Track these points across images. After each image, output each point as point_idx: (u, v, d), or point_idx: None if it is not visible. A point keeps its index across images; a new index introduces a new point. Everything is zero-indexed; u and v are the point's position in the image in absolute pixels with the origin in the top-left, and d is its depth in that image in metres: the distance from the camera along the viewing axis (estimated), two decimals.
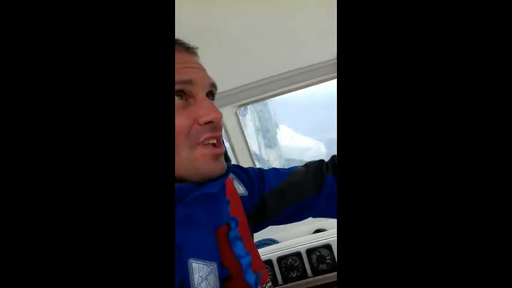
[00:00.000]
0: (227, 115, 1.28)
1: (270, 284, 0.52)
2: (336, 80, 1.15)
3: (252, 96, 1.25)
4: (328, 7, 0.71)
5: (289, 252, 1.19)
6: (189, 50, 0.49)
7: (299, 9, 0.90)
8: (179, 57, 0.44)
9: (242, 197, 0.55)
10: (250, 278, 0.45)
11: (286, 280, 1.18)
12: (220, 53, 0.96)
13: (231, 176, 0.56)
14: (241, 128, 1.33)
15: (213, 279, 0.44)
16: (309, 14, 0.93)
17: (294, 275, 1.17)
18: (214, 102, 0.47)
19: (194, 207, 0.45)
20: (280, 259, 1.19)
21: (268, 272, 1.18)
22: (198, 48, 0.51)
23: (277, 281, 1.19)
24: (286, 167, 0.65)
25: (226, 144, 1.35)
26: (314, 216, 0.63)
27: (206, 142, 0.45)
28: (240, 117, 1.35)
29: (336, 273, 1.15)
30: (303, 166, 0.63)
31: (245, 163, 1.30)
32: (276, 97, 1.42)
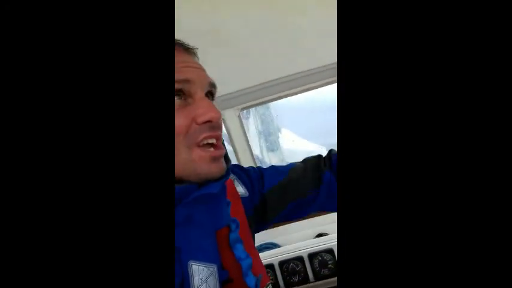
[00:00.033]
0: (230, 117, 1.28)
1: (270, 286, 0.52)
2: None
3: (255, 99, 1.25)
4: (331, 10, 0.71)
5: (291, 257, 1.18)
6: (189, 50, 0.49)
7: (302, 12, 0.90)
8: (178, 57, 0.44)
9: (243, 198, 0.55)
10: (251, 281, 0.44)
11: (287, 285, 1.17)
12: (223, 55, 0.96)
13: (232, 176, 0.56)
14: (243, 131, 1.33)
15: (213, 282, 0.44)
16: (312, 17, 0.93)
17: (296, 280, 1.16)
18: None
19: (194, 209, 0.45)
20: (282, 263, 1.18)
21: (269, 276, 1.17)
22: (197, 48, 0.51)
23: (278, 285, 1.18)
24: None
25: (229, 147, 1.35)
26: (315, 211, 0.63)
27: (205, 142, 0.45)
28: (243, 120, 1.35)
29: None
30: (301, 162, 0.63)
31: (247, 165, 1.29)
32: (279, 101, 1.41)
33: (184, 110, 0.43)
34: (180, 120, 0.42)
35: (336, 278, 1.14)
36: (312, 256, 1.17)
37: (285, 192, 0.58)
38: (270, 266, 1.18)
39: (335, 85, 1.25)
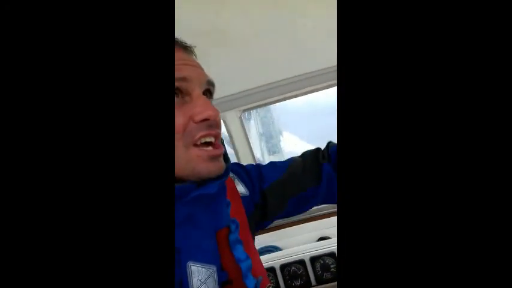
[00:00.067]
0: (231, 119, 1.28)
1: None
2: None
3: (257, 100, 1.25)
4: (335, 12, 0.71)
5: (292, 260, 1.17)
6: (186, 48, 0.49)
7: (306, 13, 0.90)
8: (176, 55, 0.44)
9: (243, 197, 0.54)
10: (250, 283, 0.44)
11: None
12: (225, 56, 0.96)
13: (232, 175, 0.56)
14: (245, 132, 1.32)
15: (212, 283, 0.43)
16: (315, 18, 0.92)
17: (298, 284, 1.15)
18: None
19: (194, 208, 0.44)
20: (283, 267, 1.17)
21: (271, 279, 1.16)
22: (195, 46, 0.50)
23: None
24: None
25: (229, 149, 1.34)
26: (317, 205, 0.63)
27: (203, 140, 0.44)
28: (244, 122, 1.34)
29: None
30: (299, 157, 0.63)
31: None
32: (280, 104, 1.41)
33: (182, 108, 0.43)
34: (177, 119, 0.42)
35: None
36: (313, 260, 1.16)
37: (284, 188, 0.58)
38: (271, 269, 1.17)
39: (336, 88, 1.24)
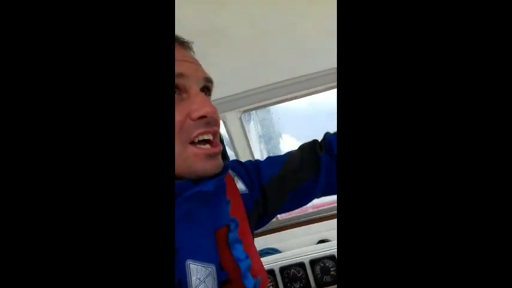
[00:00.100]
0: (231, 120, 1.27)
1: None
2: None
3: (257, 101, 1.24)
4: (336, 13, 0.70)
5: (292, 263, 1.16)
6: (184, 44, 0.48)
7: (307, 15, 0.89)
8: None
9: (243, 195, 0.53)
10: (249, 283, 0.43)
11: None
12: (225, 56, 0.95)
13: (232, 173, 0.55)
14: (245, 133, 1.32)
15: (212, 282, 0.42)
16: (316, 20, 0.92)
17: (297, 286, 1.14)
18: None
19: (192, 206, 0.43)
20: (282, 269, 1.16)
21: (270, 282, 1.15)
22: (193, 42, 0.50)
23: None
24: None
25: (230, 152, 1.33)
26: (317, 197, 0.62)
27: (200, 138, 0.43)
28: (244, 123, 1.34)
29: None
30: (297, 150, 0.62)
31: None
32: (279, 106, 1.40)
33: (179, 105, 0.42)
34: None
35: None
36: (313, 262, 1.15)
37: (283, 182, 0.57)
38: (271, 272, 1.16)
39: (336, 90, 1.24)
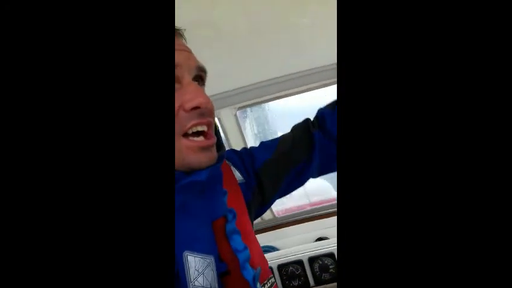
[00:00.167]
0: (226, 117, 1.25)
1: (272, 280, 0.49)
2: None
3: (252, 98, 1.22)
4: (333, 9, 0.69)
5: (290, 260, 1.15)
6: (176, 31, 0.47)
7: (303, 10, 0.88)
8: None
9: (241, 184, 0.53)
10: (248, 274, 0.42)
11: None
12: (220, 51, 0.94)
13: (228, 163, 0.54)
14: (240, 130, 1.30)
15: (211, 274, 0.41)
16: (313, 16, 0.91)
17: (296, 284, 1.13)
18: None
19: (186, 198, 0.42)
20: (281, 267, 1.15)
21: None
22: (185, 29, 0.48)
23: None
24: None
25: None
26: (313, 177, 0.62)
27: (194, 130, 0.42)
28: (240, 120, 1.32)
29: None
30: (290, 131, 0.61)
31: None
32: (275, 104, 1.39)
33: None
34: None
35: (336, 283, 1.11)
36: (312, 260, 1.14)
37: (277, 165, 0.57)
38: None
39: (332, 87, 1.23)
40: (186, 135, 0.42)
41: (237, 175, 0.54)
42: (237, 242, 0.44)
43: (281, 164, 0.57)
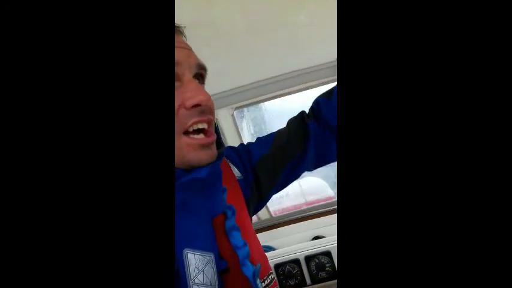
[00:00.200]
0: (223, 117, 1.25)
1: (273, 275, 0.49)
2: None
3: (250, 98, 1.22)
4: (330, 7, 0.69)
5: (287, 259, 1.15)
6: (176, 28, 0.47)
7: (300, 8, 0.88)
8: None
9: (239, 181, 0.53)
10: (248, 271, 0.42)
11: None
12: (217, 51, 0.93)
13: (227, 160, 0.54)
14: (237, 130, 1.30)
15: (211, 271, 0.41)
16: (310, 14, 0.91)
17: (292, 283, 1.14)
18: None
19: (186, 195, 0.42)
20: (277, 266, 1.15)
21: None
22: (185, 26, 0.48)
23: None
24: None
25: None
26: (308, 169, 0.62)
27: (195, 127, 0.42)
28: (237, 120, 1.32)
29: (335, 281, 1.12)
30: (285, 126, 0.62)
31: None
32: (272, 106, 1.39)
33: None
34: None
35: (333, 281, 1.11)
36: (308, 259, 1.14)
37: (273, 160, 0.57)
38: None
39: (330, 86, 1.23)
40: (186, 132, 0.42)
41: (235, 172, 0.54)
42: (237, 238, 0.44)
43: (277, 158, 0.57)
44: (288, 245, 1.27)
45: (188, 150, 0.42)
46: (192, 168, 0.43)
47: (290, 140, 0.58)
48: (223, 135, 1.29)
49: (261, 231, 1.41)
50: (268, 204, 1.41)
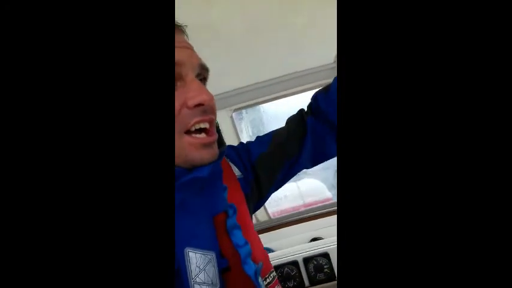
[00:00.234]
0: (222, 118, 1.25)
1: (274, 273, 0.49)
2: None
3: (248, 99, 1.23)
4: (329, 9, 0.70)
5: (285, 261, 1.15)
6: (178, 28, 0.47)
7: (299, 10, 0.88)
8: None
9: (240, 179, 0.53)
10: (250, 269, 0.42)
11: None
12: (216, 53, 0.93)
13: (227, 159, 0.55)
14: (236, 132, 1.30)
15: (212, 270, 0.41)
16: (309, 16, 0.91)
17: (291, 285, 1.14)
18: None
19: (186, 195, 0.42)
20: (276, 268, 1.15)
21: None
22: (186, 26, 0.48)
23: None
24: None
25: None
26: (306, 168, 0.62)
27: (197, 127, 0.43)
28: (236, 121, 1.32)
29: (333, 282, 1.12)
30: (285, 125, 0.62)
31: None
32: (270, 108, 1.39)
33: (175, 93, 0.41)
34: None
35: (331, 283, 1.11)
36: (307, 260, 1.14)
37: (272, 158, 0.57)
38: None
39: None
40: (188, 132, 0.43)
41: (236, 170, 0.54)
42: (238, 237, 0.44)
43: (276, 156, 0.58)
44: (286, 246, 1.27)
45: (190, 149, 0.42)
46: (193, 168, 0.43)
47: (289, 138, 0.58)
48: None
49: (260, 233, 1.40)
50: (266, 206, 1.41)
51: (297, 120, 0.60)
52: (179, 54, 0.42)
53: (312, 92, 1.26)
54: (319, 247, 1.17)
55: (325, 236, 1.35)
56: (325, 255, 1.14)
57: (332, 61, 1.14)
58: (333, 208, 1.42)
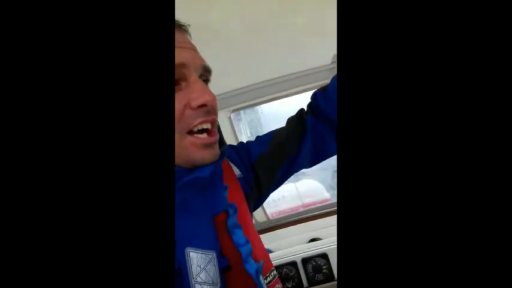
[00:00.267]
0: (220, 119, 1.25)
1: (275, 272, 0.50)
2: None
3: (247, 100, 1.23)
4: (328, 9, 0.70)
5: (284, 262, 1.15)
6: (180, 27, 0.47)
7: (298, 11, 0.89)
8: None
9: (240, 179, 0.54)
10: (251, 268, 0.42)
11: None
12: (215, 54, 0.93)
13: (227, 159, 0.55)
14: (234, 133, 1.30)
15: (213, 269, 0.41)
16: (308, 16, 0.91)
17: (289, 286, 1.14)
18: None
19: (186, 195, 0.42)
20: (275, 269, 1.15)
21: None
22: (189, 25, 0.49)
23: None
24: None
25: None
26: (305, 167, 0.62)
27: (200, 127, 0.43)
28: (235, 122, 1.32)
29: (332, 283, 1.12)
30: (285, 125, 0.63)
31: None
32: (269, 109, 1.39)
33: (178, 94, 0.41)
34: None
35: (330, 284, 1.11)
36: (305, 261, 1.14)
37: (272, 158, 0.58)
38: None
39: None
40: (191, 132, 0.43)
41: (236, 170, 0.55)
42: (239, 236, 0.44)
43: (276, 156, 0.58)
44: (284, 247, 1.27)
45: (192, 149, 0.42)
46: (194, 168, 0.43)
47: (289, 138, 0.59)
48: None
49: (259, 234, 1.41)
50: (265, 206, 1.41)
51: (297, 119, 0.61)
52: (183, 55, 0.42)
53: (310, 93, 1.26)
54: (317, 248, 1.17)
55: (323, 236, 1.35)
56: (324, 256, 1.14)
57: (330, 62, 1.14)
58: (332, 209, 1.42)
